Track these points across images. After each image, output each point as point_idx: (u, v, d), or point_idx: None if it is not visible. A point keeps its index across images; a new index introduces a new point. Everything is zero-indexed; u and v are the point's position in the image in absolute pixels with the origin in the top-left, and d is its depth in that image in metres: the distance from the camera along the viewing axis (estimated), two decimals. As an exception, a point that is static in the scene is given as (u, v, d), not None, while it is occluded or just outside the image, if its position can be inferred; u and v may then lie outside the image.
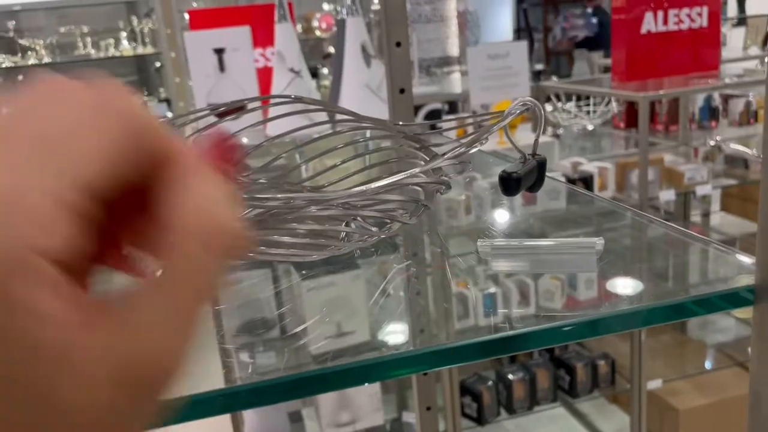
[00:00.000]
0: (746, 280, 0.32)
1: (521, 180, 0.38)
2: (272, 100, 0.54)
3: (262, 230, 0.36)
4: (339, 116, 0.56)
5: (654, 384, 2.01)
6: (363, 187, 0.29)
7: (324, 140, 0.58)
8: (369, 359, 0.34)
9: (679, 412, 2.01)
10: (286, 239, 0.35)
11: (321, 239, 0.38)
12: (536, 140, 0.41)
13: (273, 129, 0.66)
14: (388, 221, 0.39)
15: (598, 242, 0.35)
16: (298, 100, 0.53)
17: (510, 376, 2.09)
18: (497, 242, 0.39)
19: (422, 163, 0.39)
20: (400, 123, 0.51)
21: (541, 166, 0.41)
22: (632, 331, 1.82)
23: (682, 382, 2.09)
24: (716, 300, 0.33)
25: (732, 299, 0.31)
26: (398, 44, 0.79)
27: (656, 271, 0.40)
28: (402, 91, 0.82)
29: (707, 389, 2.06)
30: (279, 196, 0.31)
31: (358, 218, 0.40)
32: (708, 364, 2.23)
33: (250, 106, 0.56)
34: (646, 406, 1.88)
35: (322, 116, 0.63)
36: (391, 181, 0.30)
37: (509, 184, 0.38)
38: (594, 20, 4.53)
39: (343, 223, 0.42)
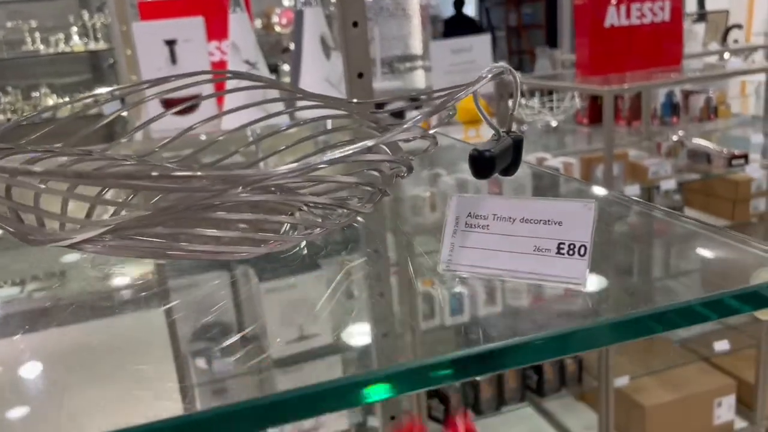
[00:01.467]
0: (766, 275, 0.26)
1: (495, 160, 0.33)
2: (208, 77, 0.48)
3: (184, 222, 0.30)
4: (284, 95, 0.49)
5: (621, 381, 1.99)
6: (298, 164, 0.23)
7: (269, 121, 0.52)
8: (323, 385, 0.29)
9: (645, 409, 1.99)
10: (212, 232, 0.28)
11: (257, 232, 0.31)
12: (511, 114, 0.35)
13: (225, 118, 0.59)
14: (340, 209, 0.33)
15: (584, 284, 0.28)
16: (236, 75, 0.46)
17: (477, 377, 2.05)
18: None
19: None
20: (355, 101, 0.45)
21: (517, 145, 0.35)
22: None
23: (648, 379, 2.08)
24: (730, 301, 0.27)
25: (751, 299, 0.26)
26: (355, 24, 0.72)
27: (653, 267, 0.34)
28: (360, 75, 0.75)
29: (672, 385, 2.06)
30: (198, 174, 0.24)
31: (304, 207, 0.34)
32: (673, 360, 2.22)
33: (190, 85, 0.49)
34: (613, 403, 1.86)
35: (272, 100, 0.57)
36: (336, 156, 0.23)
37: (481, 165, 0.32)
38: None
39: (287, 214, 0.36)
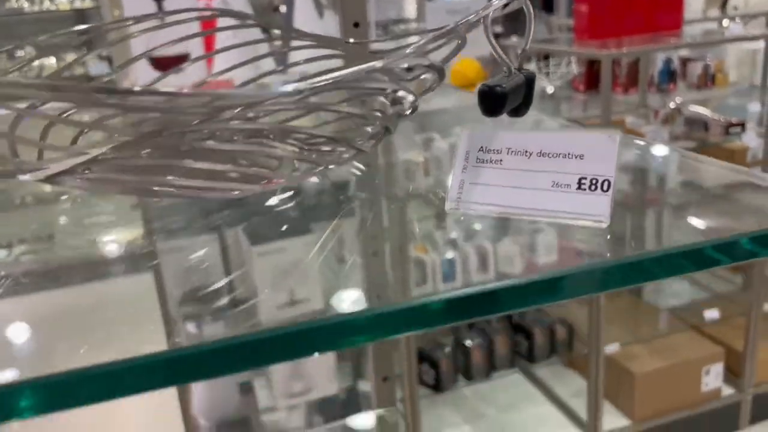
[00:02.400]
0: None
1: (507, 96, 0.30)
2: (195, 14, 0.45)
3: (170, 153, 0.27)
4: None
5: (611, 348, 2.00)
6: (297, 83, 0.20)
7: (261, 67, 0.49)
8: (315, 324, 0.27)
9: (634, 376, 2.01)
10: (201, 165, 0.26)
11: (250, 167, 0.29)
12: (524, 50, 0.33)
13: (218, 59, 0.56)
14: (339, 148, 0.30)
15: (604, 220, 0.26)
16: (225, 13, 0.44)
17: (468, 342, 2.05)
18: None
19: (379, 76, 0.30)
20: (351, 41, 0.42)
21: (529, 83, 0.33)
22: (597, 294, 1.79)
23: (637, 346, 2.09)
24: (747, 244, 0.25)
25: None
26: (352, -31, 0.69)
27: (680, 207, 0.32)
28: (356, 25, 0.72)
29: (662, 353, 2.07)
30: (185, 91, 0.22)
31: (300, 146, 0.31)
32: (663, 328, 2.23)
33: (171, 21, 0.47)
34: (603, 370, 1.87)
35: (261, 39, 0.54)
36: (336, 75, 0.21)
37: (492, 101, 0.30)
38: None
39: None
